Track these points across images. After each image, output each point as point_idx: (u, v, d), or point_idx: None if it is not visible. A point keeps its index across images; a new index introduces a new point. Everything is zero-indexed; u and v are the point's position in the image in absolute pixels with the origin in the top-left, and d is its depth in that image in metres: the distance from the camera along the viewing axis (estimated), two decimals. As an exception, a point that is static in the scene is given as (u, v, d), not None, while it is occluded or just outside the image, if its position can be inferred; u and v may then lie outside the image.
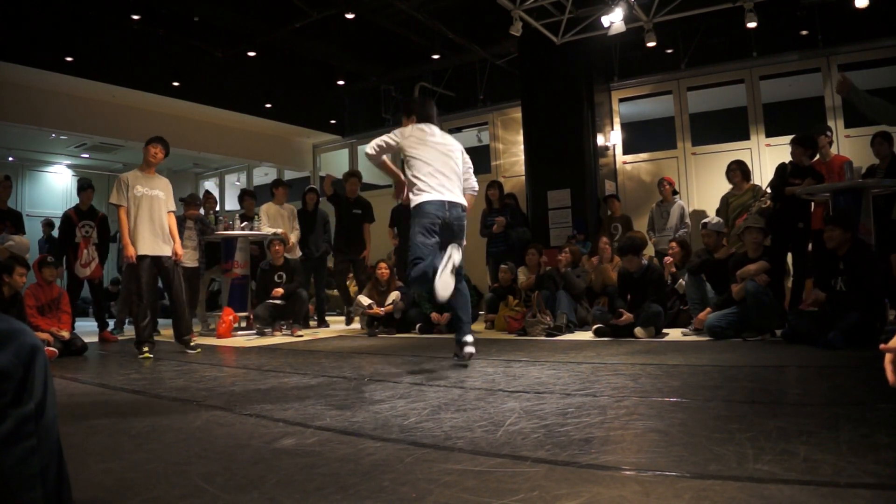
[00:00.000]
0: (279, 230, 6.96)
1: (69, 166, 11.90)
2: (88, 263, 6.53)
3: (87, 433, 2.33)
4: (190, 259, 6.47)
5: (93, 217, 6.69)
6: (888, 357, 1.19)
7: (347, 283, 8.00)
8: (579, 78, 8.47)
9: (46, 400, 1.14)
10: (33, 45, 7.72)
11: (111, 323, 7.49)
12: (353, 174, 7.70)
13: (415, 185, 3.75)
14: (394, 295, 6.41)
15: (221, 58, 9.45)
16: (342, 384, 3.27)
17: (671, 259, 6.04)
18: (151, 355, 4.83)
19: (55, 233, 9.09)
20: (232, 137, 10.95)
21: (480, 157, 9.14)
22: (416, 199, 3.74)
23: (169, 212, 5.12)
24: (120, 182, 4.97)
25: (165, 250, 5.02)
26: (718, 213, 6.33)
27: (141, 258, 4.89)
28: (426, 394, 2.87)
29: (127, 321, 7.52)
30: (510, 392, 2.84)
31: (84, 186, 6.74)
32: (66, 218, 6.66)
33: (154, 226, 4.96)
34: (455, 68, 10.33)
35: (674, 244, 6.12)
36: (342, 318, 8.56)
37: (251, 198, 7.57)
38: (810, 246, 5.34)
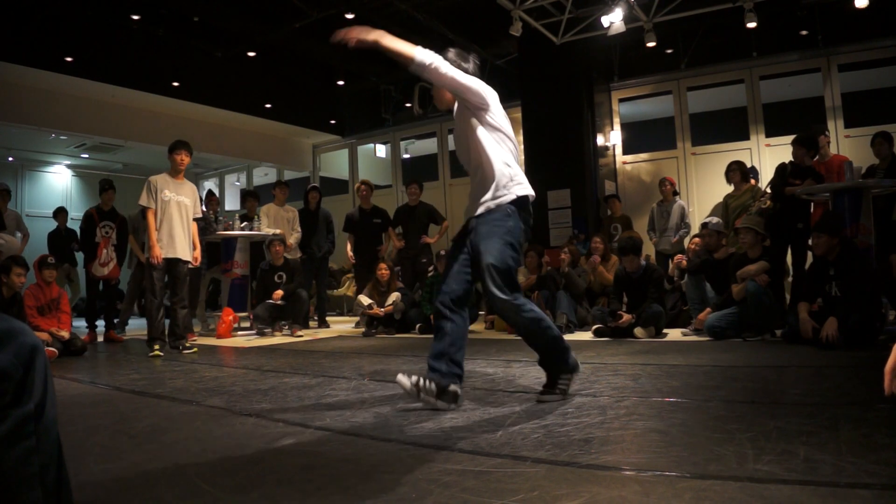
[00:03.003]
0: (277, 230, 6.95)
1: (69, 166, 11.87)
2: (107, 263, 6.54)
3: (87, 433, 2.33)
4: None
5: (113, 218, 6.72)
6: (890, 363, 1.16)
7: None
8: (579, 78, 8.47)
9: (46, 400, 1.13)
10: (33, 45, 7.71)
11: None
12: (364, 183, 7.69)
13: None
14: (394, 296, 6.40)
15: (221, 58, 9.45)
16: (342, 384, 3.27)
17: (681, 256, 6.00)
18: (162, 353, 4.94)
19: (70, 225, 9.02)
20: (232, 137, 10.94)
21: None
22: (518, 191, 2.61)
23: (194, 219, 5.25)
24: (149, 184, 5.09)
25: (182, 255, 5.12)
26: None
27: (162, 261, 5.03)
28: (426, 394, 2.86)
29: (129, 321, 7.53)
30: (510, 392, 2.84)
31: (106, 187, 6.77)
32: (88, 217, 6.67)
33: (178, 231, 5.09)
34: (455, 68, 10.31)
35: (697, 239, 5.89)
36: (345, 319, 8.56)
37: (254, 198, 7.58)
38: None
